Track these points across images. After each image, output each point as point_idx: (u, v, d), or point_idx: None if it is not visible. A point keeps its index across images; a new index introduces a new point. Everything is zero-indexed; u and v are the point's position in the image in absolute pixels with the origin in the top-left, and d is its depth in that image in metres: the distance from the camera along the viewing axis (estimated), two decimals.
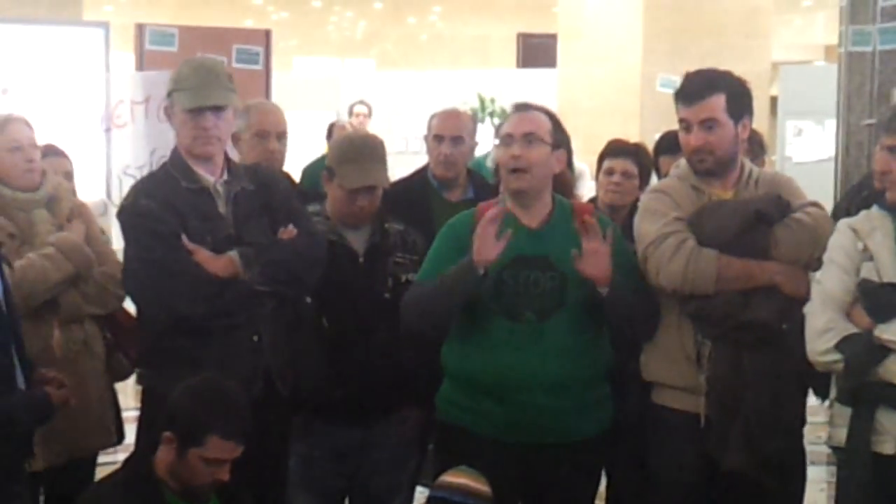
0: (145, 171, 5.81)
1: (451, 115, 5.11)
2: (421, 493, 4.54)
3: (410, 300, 4.01)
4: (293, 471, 4.34)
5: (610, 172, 4.95)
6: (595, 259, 3.84)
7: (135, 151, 6.77)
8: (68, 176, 5.16)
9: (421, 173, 5.06)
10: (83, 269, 4.25)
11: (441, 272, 3.94)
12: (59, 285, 4.24)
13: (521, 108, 4.07)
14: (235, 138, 4.79)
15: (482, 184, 5.12)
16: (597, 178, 5.08)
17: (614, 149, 5.06)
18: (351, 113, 11.94)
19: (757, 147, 5.16)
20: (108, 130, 6.91)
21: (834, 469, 4.60)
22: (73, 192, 4.80)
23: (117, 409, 4.67)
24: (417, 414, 4.37)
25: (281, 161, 4.88)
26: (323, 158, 6.40)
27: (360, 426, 4.31)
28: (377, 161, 4.34)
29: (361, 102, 12.02)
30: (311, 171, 7.14)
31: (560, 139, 4.05)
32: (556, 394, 3.90)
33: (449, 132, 4.95)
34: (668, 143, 4.90)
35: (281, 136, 4.85)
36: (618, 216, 4.70)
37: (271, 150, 4.81)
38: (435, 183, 4.95)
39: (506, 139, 3.98)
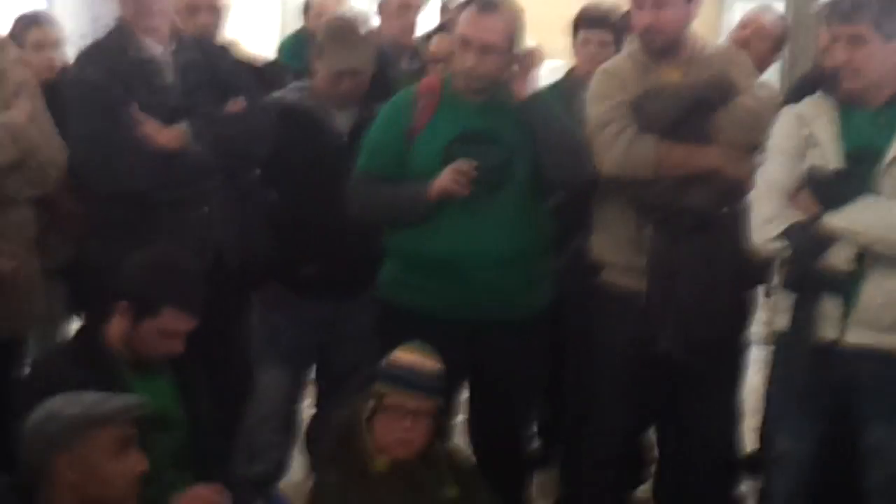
0: (88, 41, 5.69)
1: None
2: None
3: (360, 197, 4.01)
4: (262, 340, 4.41)
5: (586, 43, 4.96)
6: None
7: (77, 19, 6.63)
8: (56, 46, 4.89)
9: None
10: (27, 153, 4.01)
11: (380, 155, 3.98)
12: (1, 168, 4.13)
13: (484, 7, 3.93)
14: None
15: None
16: (573, 46, 5.08)
17: (587, 19, 5.05)
18: None
19: (780, 42, 5.18)
20: None
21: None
22: (62, 64, 4.68)
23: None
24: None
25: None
26: (298, 33, 6.28)
27: (331, 301, 4.34)
28: (364, 44, 4.32)
29: None
30: (288, 45, 6.98)
31: (516, 39, 3.95)
32: (505, 267, 3.94)
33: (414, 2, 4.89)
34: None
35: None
36: None
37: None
38: (387, 54, 4.88)
39: (462, 42, 3.93)
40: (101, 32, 4.44)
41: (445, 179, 3.84)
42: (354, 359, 4.41)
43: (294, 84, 4.45)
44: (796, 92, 4.36)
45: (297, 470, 4.76)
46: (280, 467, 4.55)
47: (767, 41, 5.10)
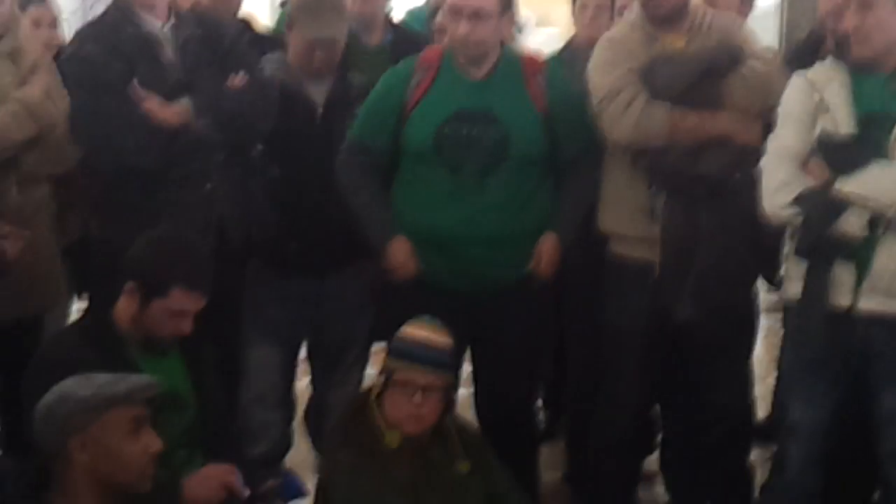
0: (77, 17, 5.64)
1: None
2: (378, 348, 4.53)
3: (342, 183, 4.01)
4: (248, 317, 4.34)
5: (584, 7, 4.89)
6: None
7: None
8: (53, 24, 4.93)
9: None
10: (45, 129, 4.02)
11: (374, 127, 3.97)
12: (21, 145, 4.10)
13: None
14: None
15: (399, 28, 5.04)
16: (572, 13, 5.01)
17: None
18: None
19: None
20: None
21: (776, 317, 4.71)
22: (58, 43, 4.64)
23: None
24: (373, 267, 4.29)
25: None
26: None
27: (314, 278, 4.28)
28: (336, 12, 4.23)
29: None
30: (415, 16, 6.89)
31: (507, 2, 3.94)
32: (495, 246, 3.93)
33: None
34: None
35: None
36: None
37: None
38: (351, 27, 4.80)
39: (453, 11, 3.90)
40: (93, 9, 4.40)
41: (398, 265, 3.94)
42: (345, 335, 4.39)
43: (269, 56, 4.35)
44: (795, 57, 4.34)
45: (300, 446, 4.73)
46: (282, 445, 4.50)
47: None
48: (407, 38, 4.88)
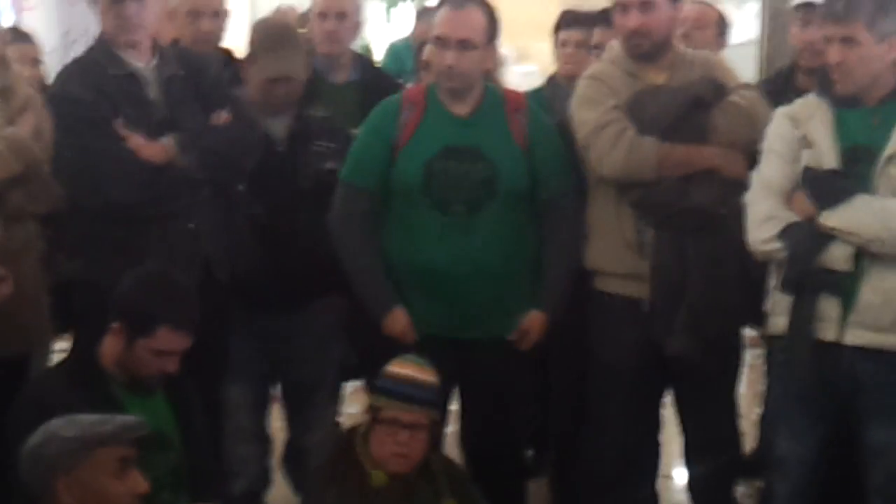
0: (57, 56, 5.63)
1: None
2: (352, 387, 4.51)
3: (338, 236, 3.97)
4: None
5: (564, 44, 4.91)
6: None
7: (46, 34, 6.55)
8: (35, 62, 4.95)
9: None
10: (31, 168, 3.98)
11: (367, 167, 3.95)
12: (5, 183, 4.08)
13: (458, 3, 3.92)
14: None
15: (369, 66, 5.03)
16: (553, 50, 5.05)
17: (567, 20, 5.03)
18: None
19: (723, 26, 5.15)
20: (19, 13, 6.69)
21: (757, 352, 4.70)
22: (41, 80, 4.63)
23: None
24: (340, 303, 4.29)
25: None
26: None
27: (281, 314, 4.24)
28: (294, 49, 4.21)
29: None
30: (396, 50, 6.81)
31: (493, 33, 3.97)
32: (489, 283, 3.91)
33: (333, 9, 4.74)
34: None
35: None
36: None
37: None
38: (317, 64, 4.74)
39: (440, 41, 3.91)
40: (71, 47, 4.40)
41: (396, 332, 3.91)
42: (314, 371, 4.35)
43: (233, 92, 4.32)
44: (768, 90, 4.35)
45: (283, 486, 4.69)
46: (261, 480, 4.45)
47: (709, 28, 5.06)
48: (377, 76, 4.88)
